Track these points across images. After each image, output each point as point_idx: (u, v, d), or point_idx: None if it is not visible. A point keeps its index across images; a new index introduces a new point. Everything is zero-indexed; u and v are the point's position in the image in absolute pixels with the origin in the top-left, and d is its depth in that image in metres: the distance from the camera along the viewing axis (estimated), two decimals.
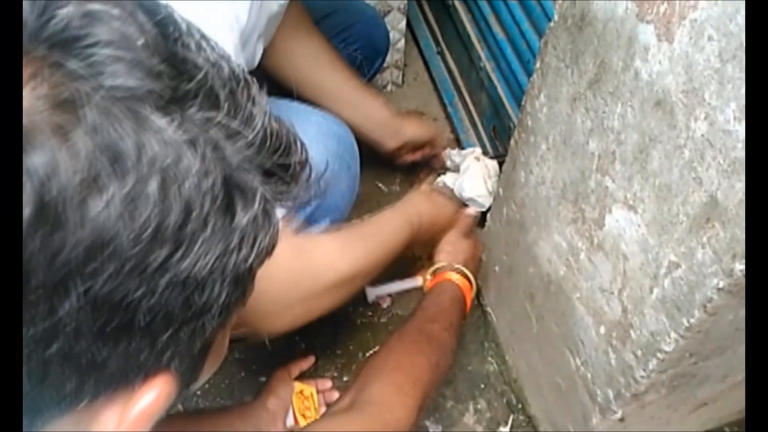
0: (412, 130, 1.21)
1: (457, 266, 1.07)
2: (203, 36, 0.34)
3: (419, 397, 0.81)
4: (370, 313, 1.33)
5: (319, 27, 1.13)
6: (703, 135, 0.59)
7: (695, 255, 0.64)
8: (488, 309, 1.30)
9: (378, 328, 1.31)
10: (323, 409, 1.06)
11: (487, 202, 1.28)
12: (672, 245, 0.67)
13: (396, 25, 1.52)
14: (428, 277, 1.09)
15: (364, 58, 1.23)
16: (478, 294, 1.32)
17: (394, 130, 1.20)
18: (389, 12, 1.48)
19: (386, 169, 1.44)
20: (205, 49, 0.33)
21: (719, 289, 0.62)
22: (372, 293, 1.27)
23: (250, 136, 0.32)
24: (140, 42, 0.29)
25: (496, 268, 1.21)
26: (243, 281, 0.35)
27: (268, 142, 0.34)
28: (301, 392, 1.03)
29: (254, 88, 0.35)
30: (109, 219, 0.27)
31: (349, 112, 1.15)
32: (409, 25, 1.62)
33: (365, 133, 1.19)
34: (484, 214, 1.25)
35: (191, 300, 0.32)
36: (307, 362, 1.09)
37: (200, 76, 0.31)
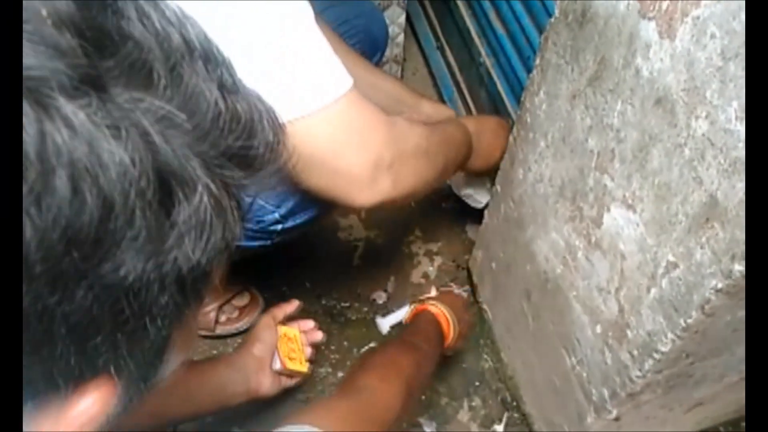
0: (429, 108, 1.19)
1: (435, 301, 1.10)
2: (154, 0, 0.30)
3: (404, 386, 0.84)
4: (365, 309, 1.32)
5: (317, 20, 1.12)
6: (703, 134, 0.59)
7: (694, 255, 0.63)
8: (484, 306, 1.29)
9: (373, 324, 1.30)
10: (308, 350, 1.07)
11: (484, 198, 1.27)
12: (670, 245, 0.66)
13: (395, 20, 1.51)
14: (408, 314, 1.14)
15: (363, 52, 1.22)
16: (474, 292, 1.32)
17: (413, 107, 1.18)
18: (389, 6, 1.47)
19: None
20: (149, 15, 0.29)
21: (718, 291, 0.61)
22: (384, 325, 1.26)
23: (193, 119, 0.29)
24: (45, 12, 0.25)
25: (493, 265, 1.20)
26: (193, 282, 0.31)
27: (222, 123, 0.30)
28: (284, 335, 1.03)
29: (215, 58, 0.31)
30: None
31: (368, 92, 1.14)
32: (408, 19, 1.61)
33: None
34: (481, 211, 1.24)
35: (121, 305, 0.28)
36: (291, 306, 1.08)
37: (129, 49, 0.27)
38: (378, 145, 0.76)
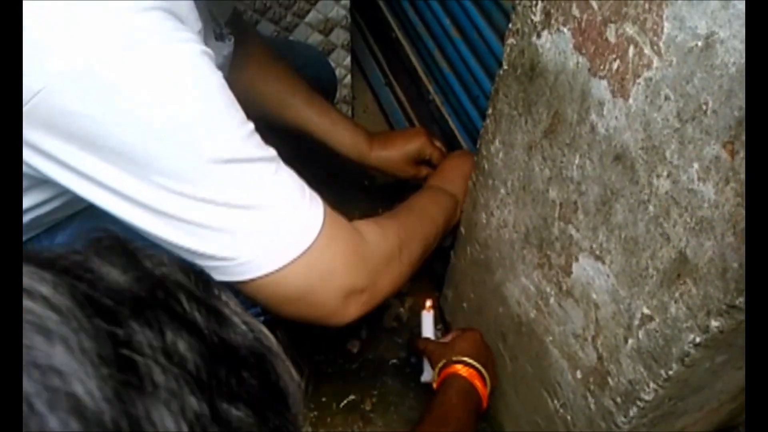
0: (390, 157, 1.18)
1: (458, 358, 0.97)
2: None
3: None
4: (341, 360, 1.30)
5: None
6: (667, 192, 0.59)
7: (668, 309, 0.63)
8: None
9: (350, 375, 1.28)
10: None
11: (448, 238, 1.26)
12: (644, 298, 0.66)
13: (341, 62, 1.50)
14: (435, 376, 0.99)
15: None
16: (448, 330, 1.31)
17: (376, 159, 1.17)
18: (333, 50, 1.46)
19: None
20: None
21: (696, 344, 0.61)
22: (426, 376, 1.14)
23: None
24: None
25: (465, 305, 1.20)
26: None
27: None
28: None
29: None
30: None
31: (331, 145, 1.16)
32: (355, 57, 1.60)
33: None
34: (447, 249, 1.24)
35: None
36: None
37: None
38: (351, 277, 0.75)
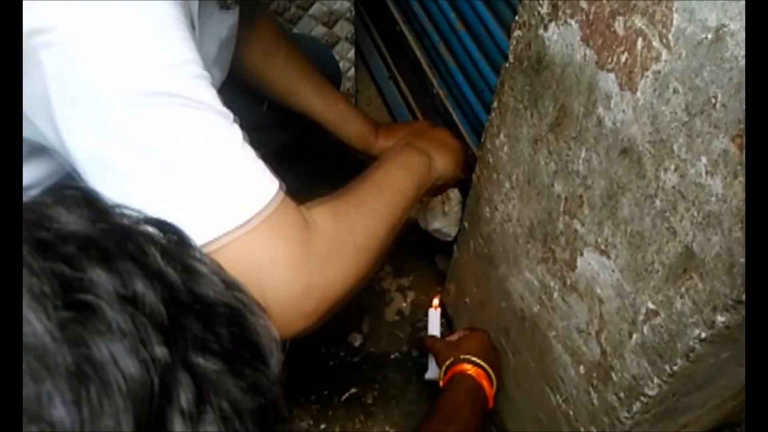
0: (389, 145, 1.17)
1: (466, 357, 0.96)
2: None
3: None
4: (342, 354, 1.30)
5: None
6: (674, 186, 0.58)
7: (674, 304, 0.62)
8: None
9: (352, 369, 1.28)
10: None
11: (453, 231, 1.26)
12: (649, 293, 0.66)
13: (345, 55, 1.49)
14: (442, 375, 0.99)
15: None
16: (450, 325, 1.31)
17: (380, 150, 1.17)
18: (337, 42, 1.46)
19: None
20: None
21: (701, 340, 0.60)
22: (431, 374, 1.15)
23: None
24: None
25: (467, 300, 1.19)
26: None
27: None
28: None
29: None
30: None
31: (337, 135, 1.15)
32: (359, 50, 1.60)
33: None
34: (451, 244, 1.23)
35: None
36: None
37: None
38: (293, 278, 0.61)
